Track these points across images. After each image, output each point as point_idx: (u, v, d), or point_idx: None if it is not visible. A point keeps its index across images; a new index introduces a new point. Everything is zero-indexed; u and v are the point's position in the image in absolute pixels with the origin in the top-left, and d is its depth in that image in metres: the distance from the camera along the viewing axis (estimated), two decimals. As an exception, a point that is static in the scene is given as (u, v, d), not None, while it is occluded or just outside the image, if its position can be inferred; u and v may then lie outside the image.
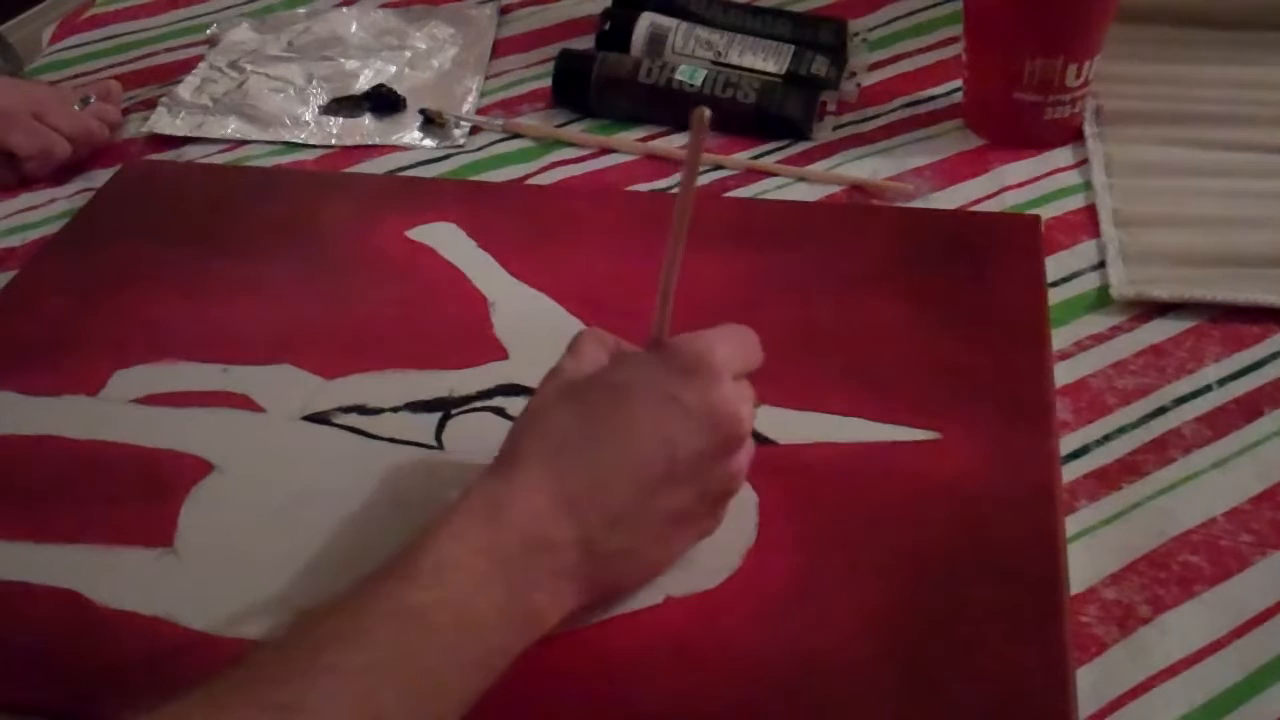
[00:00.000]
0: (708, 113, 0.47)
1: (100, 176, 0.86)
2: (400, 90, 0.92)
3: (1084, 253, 0.73)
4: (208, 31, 1.03)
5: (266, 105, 0.92)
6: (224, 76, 0.95)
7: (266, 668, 0.43)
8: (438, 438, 0.63)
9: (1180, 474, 0.59)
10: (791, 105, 0.85)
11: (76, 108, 0.88)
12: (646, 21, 0.90)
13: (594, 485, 0.49)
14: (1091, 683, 0.51)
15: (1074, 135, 0.82)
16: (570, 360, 0.54)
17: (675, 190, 0.51)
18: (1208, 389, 0.64)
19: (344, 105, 0.91)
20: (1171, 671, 0.51)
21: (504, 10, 1.03)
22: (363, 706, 0.42)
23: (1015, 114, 0.81)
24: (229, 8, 1.07)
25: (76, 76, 0.99)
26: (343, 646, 0.43)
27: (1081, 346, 0.67)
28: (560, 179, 0.83)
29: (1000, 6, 0.78)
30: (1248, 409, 0.62)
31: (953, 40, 0.90)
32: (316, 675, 0.42)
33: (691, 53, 0.89)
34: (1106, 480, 0.59)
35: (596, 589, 0.51)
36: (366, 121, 0.90)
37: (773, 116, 0.84)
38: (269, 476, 0.61)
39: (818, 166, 0.82)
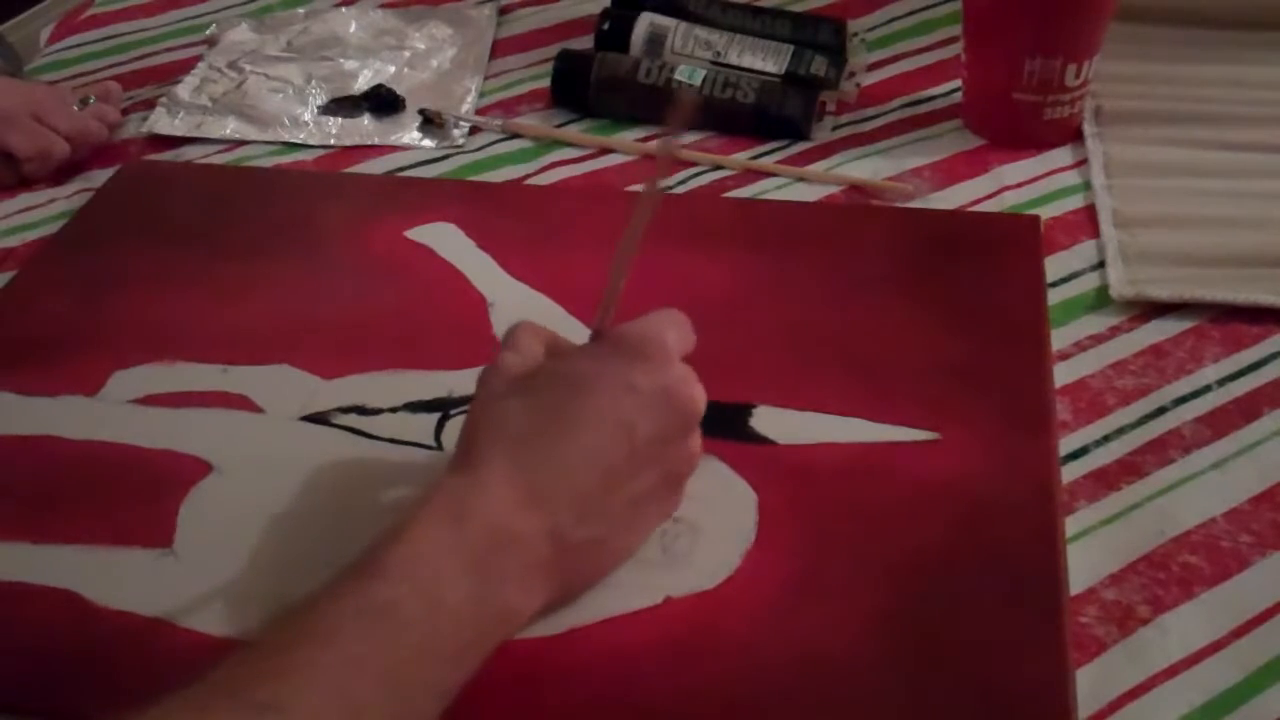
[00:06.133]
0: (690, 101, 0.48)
1: (99, 177, 0.86)
2: (399, 90, 0.92)
3: (1083, 253, 0.73)
4: (207, 32, 1.03)
5: (265, 105, 0.92)
6: (223, 77, 0.95)
7: (242, 667, 0.43)
8: (437, 438, 0.63)
9: (1180, 474, 0.59)
10: (791, 105, 0.84)
11: (76, 108, 0.88)
12: (645, 21, 0.90)
13: (558, 476, 0.49)
14: (1091, 683, 0.50)
15: (1073, 135, 0.82)
16: (510, 354, 0.54)
17: (640, 188, 0.51)
18: (1207, 389, 0.64)
19: (343, 105, 0.91)
20: (1171, 672, 0.51)
21: (503, 10, 1.03)
22: (339, 701, 0.42)
23: (1014, 114, 0.81)
24: (228, 8, 1.07)
25: (75, 77, 0.99)
26: (315, 644, 0.43)
27: (1081, 347, 0.67)
28: (559, 179, 0.83)
29: (999, 6, 0.78)
30: (1247, 409, 0.62)
31: (952, 40, 0.90)
32: (291, 673, 0.42)
33: (690, 53, 0.89)
34: (1106, 480, 0.59)
35: (568, 579, 0.51)
36: (365, 122, 0.90)
37: (772, 116, 0.84)
38: (268, 477, 0.61)
39: (817, 167, 0.82)
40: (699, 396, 0.52)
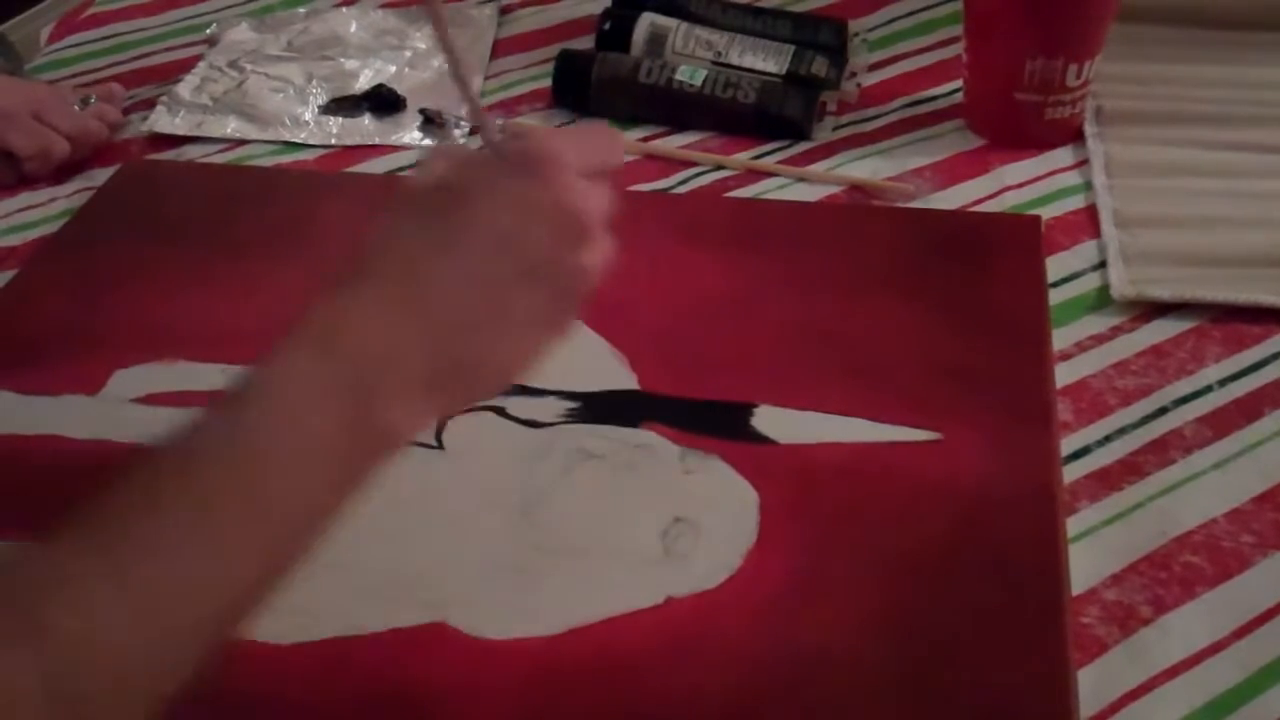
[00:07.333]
0: None
1: (100, 176, 0.85)
2: (400, 90, 0.92)
3: (1084, 253, 0.73)
4: (207, 31, 1.03)
5: (266, 105, 0.92)
6: (224, 76, 0.95)
7: (108, 509, 0.41)
8: (437, 437, 0.63)
9: (1181, 474, 0.59)
10: (791, 105, 0.84)
11: (77, 108, 0.88)
12: (647, 22, 0.90)
13: (443, 291, 0.48)
14: (1092, 683, 0.51)
15: (1074, 135, 0.82)
16: (416, 175, 0.52)
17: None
18: (1208, 389, 0.64)
19: (343, 105, 0.91)
20: (1172, 672, 0.51)
21: (504, 10, 1.03)
22: (209, 538, 0.41)
23: (1015, 114, 0.81)
24: (228, 7, 1.07)
25: (76, 76, 0.99)
26: (181, 481, 0.42)
27: (1082, 347, 0.67)
28: (560, 179, 0.83)
29: (1001, 6, 0.78)
30: (1248, 409, 0.62)
31: (953, 40, 0.90)
32: (159, 511, 0.41)
33: (691, 53, 0.89)
34: (1107, 481, 0.59)
35: (451, 397, 0.49)
36: (366, 121, 0.90)
37: (773, 117, 0.84)
38: (269, 476, 0.61)
39: (818, 167, 0.82)
40: (592, 210, 0.50)
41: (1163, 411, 0.63)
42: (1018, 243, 0.73)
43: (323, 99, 0.92)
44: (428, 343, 0.47)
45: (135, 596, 0.39)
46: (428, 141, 0.88)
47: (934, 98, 0.88)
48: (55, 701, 0.38)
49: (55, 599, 0.39)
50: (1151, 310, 0.68)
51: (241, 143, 0.89)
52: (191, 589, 0.41)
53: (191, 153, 0.89)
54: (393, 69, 0.96)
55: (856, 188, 0.80)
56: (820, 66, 0.87)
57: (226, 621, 0.42)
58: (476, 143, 0.87)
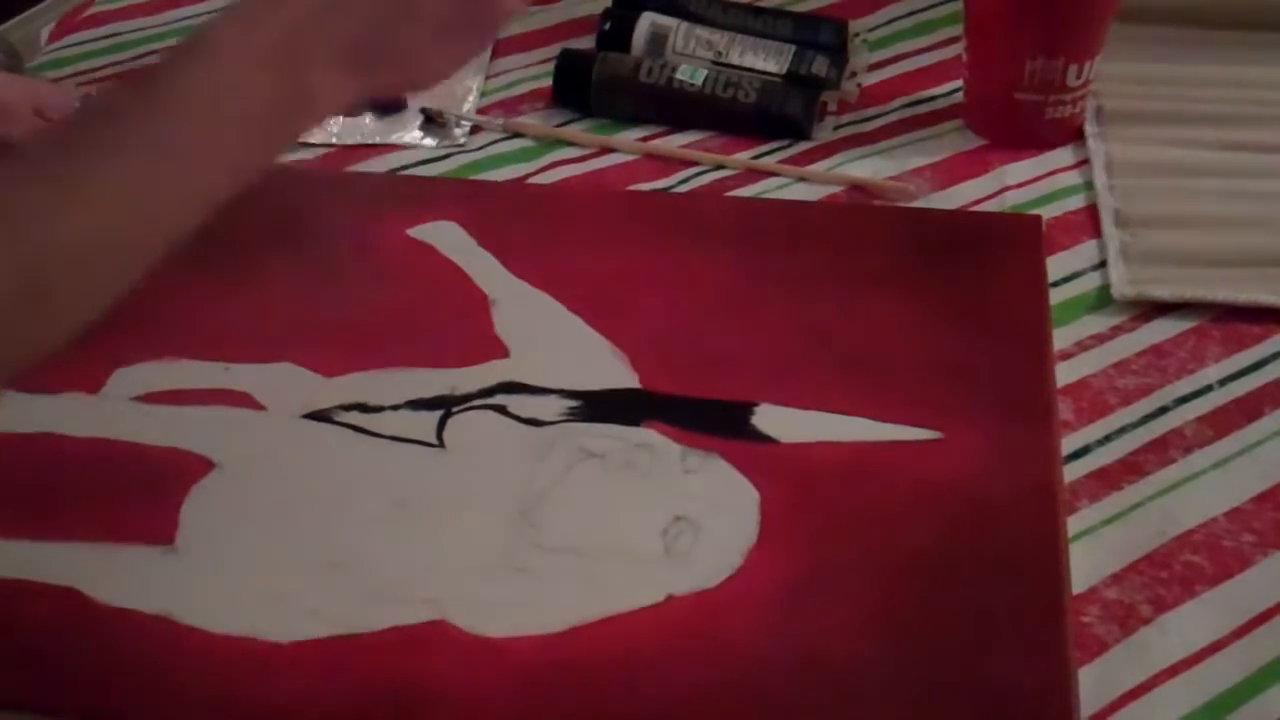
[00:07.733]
0: None
1: (100, 175, 0.85)
2: (400, 89, 0.92)
3: (1085, 253, 0.73)
4: (208, 30, 1.03)
5: (267, 104, 0.92)
6: (224, 75, 0.95)
7: (45, 144, 0.49)
8: (439, 436, 0.63)
9: (1181, 474, 0.59)
10: (792, 105, 0.85)
11: (78, 105, 0.88)
12: (647, 21, 0.90)
13: None
14: (1093, 683, 0.51)
15: (1075, 135, 0.82)
16: None
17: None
18: (1209, 389, 0.64)
19: (344, 104, 0.91)
20: (1173, 671, 0.51)
21: (504, 10, 1.03)
22: (127, 179, 0.48)
23: (1016, 114, 0.81)
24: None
25: (76, 75, 0.99)
26: (110, 126, 0.48)
27: (1083, 346, 0.67)
28: (561, 178, 0.83)
29: (1000, 6, 0.78)
30: (1249, 409, 0.63)
31: (953, 40, 0.90)
32: (87, 151, 0.47)
33: (692, 53, 0.89)
34: (1108, 480, 0.59)
35: (371, 77, 0.54)
36: (367, 120, 0.90)
37: (773, 116, 0.84)
38: (269, 475, 0.61)
39: (818, 166, 0.82)
40: None
41: (1163, 411, 0.63)
42: (1018, 242, 0.73)
43: (323, 98, 0.92)
44: (348, 26, 0.53)
45: (89, 209, 0.47)
46: (428, 141, 0.88)
47: (934, 98, 0.87)
48: (27, 296, 0.46)
49: (20, 207, 0.46)
50: (1152, 310, 0.68)
51: (242, 142, 0.89)
52: (132, 208, 0.49)
53: (192, 152, 0.88)
54: (393, 68, 0.95)
55: (857, 187, 0.80)
56: (820, 66, 0.87)
57: (162, 236, 0.51)
58: (477, 142, 0.87)
